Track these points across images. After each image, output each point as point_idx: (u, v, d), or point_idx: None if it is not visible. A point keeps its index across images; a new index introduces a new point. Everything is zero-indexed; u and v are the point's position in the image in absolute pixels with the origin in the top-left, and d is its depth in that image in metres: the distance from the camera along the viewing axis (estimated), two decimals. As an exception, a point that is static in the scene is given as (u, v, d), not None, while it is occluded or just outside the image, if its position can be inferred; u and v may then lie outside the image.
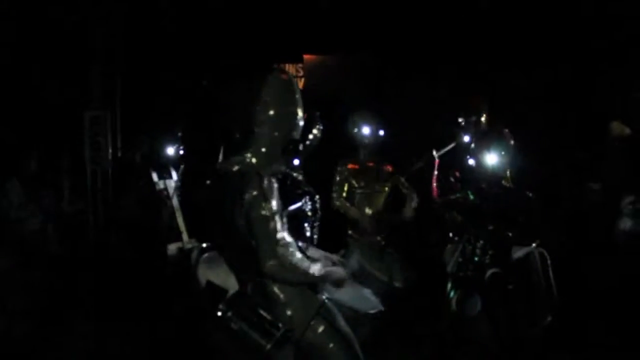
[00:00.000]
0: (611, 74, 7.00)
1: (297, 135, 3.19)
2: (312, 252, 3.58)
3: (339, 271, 3.19)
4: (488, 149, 4.66)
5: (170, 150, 5.73)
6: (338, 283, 3.16)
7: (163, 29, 7.95)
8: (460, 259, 4.66)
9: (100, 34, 7.68)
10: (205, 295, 3.29)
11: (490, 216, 4.59)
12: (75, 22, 7.50)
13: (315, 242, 4.68)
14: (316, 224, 4.72)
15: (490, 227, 4.57)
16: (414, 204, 5.28)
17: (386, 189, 5.45)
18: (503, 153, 4.66)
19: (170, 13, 7.95)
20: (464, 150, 4.98)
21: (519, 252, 4.57)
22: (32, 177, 6.15)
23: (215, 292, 3.21)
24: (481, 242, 4.60)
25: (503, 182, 4.69)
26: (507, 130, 4.77)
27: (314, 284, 3.12)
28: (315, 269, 3.03)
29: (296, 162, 4.69)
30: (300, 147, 4.37)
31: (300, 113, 3.16)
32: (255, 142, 3.11)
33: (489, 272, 4.53)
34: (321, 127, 4.69)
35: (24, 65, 7.38)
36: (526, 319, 4.59)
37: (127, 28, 7.82)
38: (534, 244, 4.61)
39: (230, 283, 3.25)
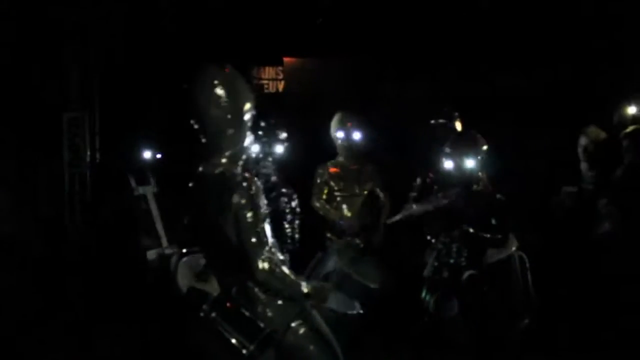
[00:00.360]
0: (611, 73, 7.09)
1: (249, 122, 3.16)
2: None
3: (325, 290, 3.21)
4: (461, 153, 4.75)
5: (148, 155, 5.70)
6: (322, 301, 3.20)
7: (142, 30, 7.87)
8: (435, 263, 4.75)
9: (77, 34, 7.55)
10: (187, 299, 3.33)
11: (462, 219, 4.67)
12: (52, 21, 7.38)
13: (297, 241, 4.76)
14: (297, 222, 4.79)
15: (464, 229, 4.65)
16: (385, 211, 5.42)
17: (365, 192, 5.52)
18: (479, 157, 4.75)
19: (150, 14, 7.89)
20: (438, 153, 5.04)
21: (498, 255, 4.66)
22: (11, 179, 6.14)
23: (198, 296, 3.25)
24: (455, 244, 4.68)
25: (475, 186, 4.75)
26: (479, 135, 4.87)
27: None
28: (304, 284, 3.07)
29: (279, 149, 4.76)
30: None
31: (248, 104, 3.13)
32: (223, 141, 3.12)
33: (466, 274, 4.63)
34: (284, 135, 4.76)
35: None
36: (504, 320, 4.68)
37: (106, 28, 7.70)
38: (514, 247, 4.71)
39: (210, 287, 3.31)
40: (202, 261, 4.19)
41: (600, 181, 5.64)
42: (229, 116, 3.08)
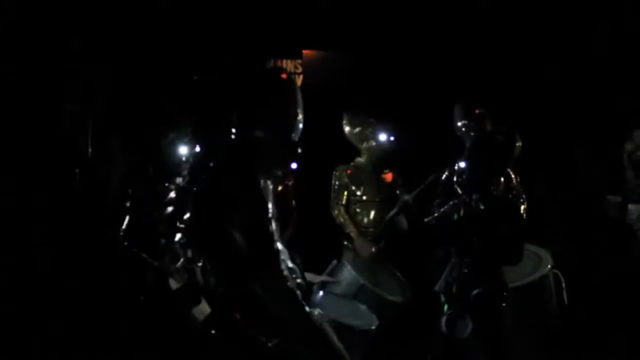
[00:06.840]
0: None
1: (296, 137, 3.29)
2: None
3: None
4: (480, 153, 4.59)
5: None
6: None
7: (154, 18, 7.78)
8: (449, 278, 4.57)
9: (83, 23, 7.35)
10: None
11: (475, 230, 4.49)
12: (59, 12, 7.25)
13: None
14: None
15: (475, 241, 4.46)
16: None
17: (386, 198, 5.49)
18: (498, 157, 4.60)
19: (162, 4, 7.86)
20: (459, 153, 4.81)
21: (532, 275, 4.64)
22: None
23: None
24: (468, 258, 4.49)
25: (494, 189, 4.55)
26: (504, 132, 4.73)
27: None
28: (306, 308, 3.07)
29: (294, 165, 4.75)
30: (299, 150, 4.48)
31: (300, 115, 3.25)
32: (253, 144, 3.23)
33: (474, 292, 4.42)
34: None
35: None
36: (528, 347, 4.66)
37: (114, 15, 7.53)
38: (548, 266, 4.69)
39: None
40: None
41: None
42: (264, 119, 3.20)
